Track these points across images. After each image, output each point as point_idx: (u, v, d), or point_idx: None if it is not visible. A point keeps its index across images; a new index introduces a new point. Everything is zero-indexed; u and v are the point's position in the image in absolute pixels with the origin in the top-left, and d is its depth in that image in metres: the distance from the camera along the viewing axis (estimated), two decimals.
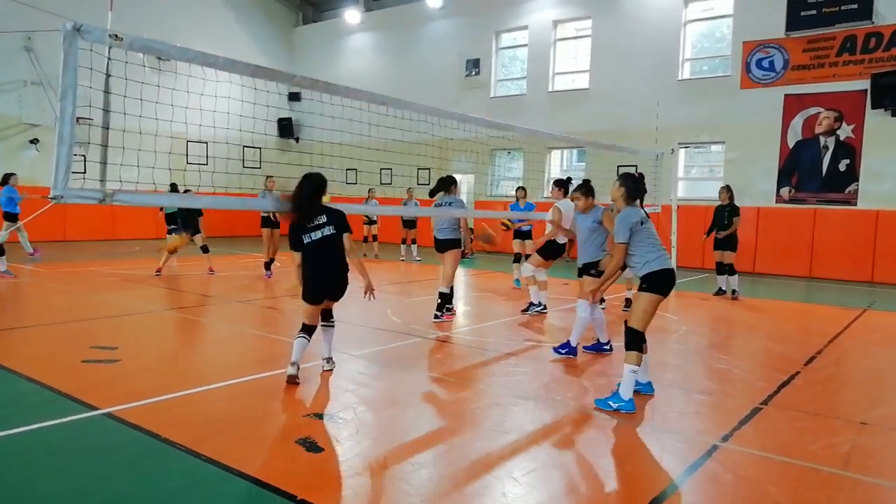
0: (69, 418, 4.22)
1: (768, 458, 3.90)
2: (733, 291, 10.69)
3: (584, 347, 6.50)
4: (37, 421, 4.13)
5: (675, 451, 3.99)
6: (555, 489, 3.46)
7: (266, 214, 11.93)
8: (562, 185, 8.40)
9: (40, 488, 3.30)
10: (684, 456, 3.92)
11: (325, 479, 3.50)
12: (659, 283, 4.76)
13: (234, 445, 3.86)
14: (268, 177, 11.86)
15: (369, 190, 15.74)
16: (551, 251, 8.51)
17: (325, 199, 13.20)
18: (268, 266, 11.84)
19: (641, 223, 4.89)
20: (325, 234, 5.14)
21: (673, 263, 4.82)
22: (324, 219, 5.17)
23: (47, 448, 3.80)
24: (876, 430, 4.51)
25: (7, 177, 11.72)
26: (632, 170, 15.90)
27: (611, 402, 4.68)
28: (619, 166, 15.74)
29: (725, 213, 10.81)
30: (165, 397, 4.72)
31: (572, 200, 6.75)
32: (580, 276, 6.49)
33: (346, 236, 5.21)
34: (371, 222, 16.64)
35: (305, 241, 5.15)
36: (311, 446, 3.87)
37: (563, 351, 6.28)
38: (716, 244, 10.90)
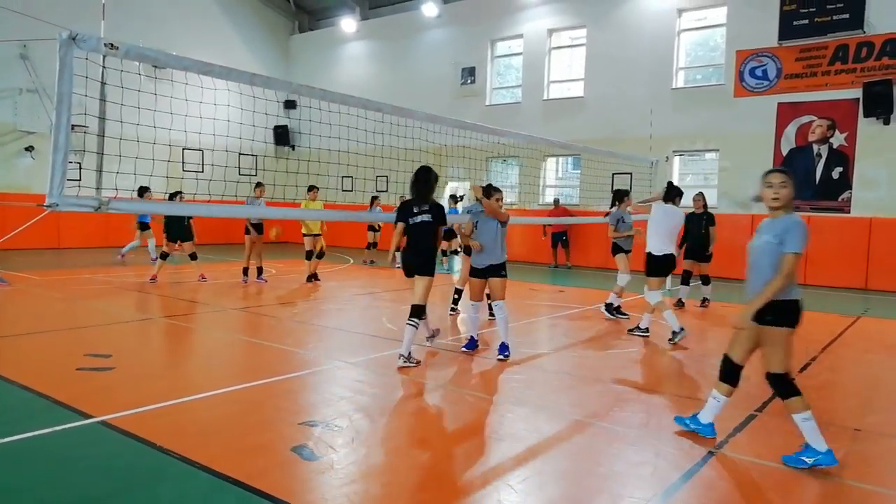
0: (64, 426, 4.21)
1: (763, 465, 3.92)
2: (705, 300, 10.57)
3: (463, 347, 6.77)
4: (31, 429, 4.12)
5: (671, 458, 4.00)
6: (550, 496, 3.46)
7: (256, 221, 11.92)
8: (674, 191, 7.94)
9: (35, 497, 3.28)
10: (679, 463, 3.93)
11: (320, 486, 3.49)
12: (791, 314, 3.90)
13: (229, 453, 3.85)
14: (257, 184, 11.86)
15: (373, 198, 15.68)
16: (660, 267, 7.69)
17: (319, 205, 13.23)
18: (245, 272, 11.99)
19: None
20: (424, 220, 6.17)
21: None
22: (427, 207, 6.20)
23: (42, 456, 3.78)
24: (870, 437, 4.53)
25: (143, 190, 12.08)
26: (626, 178, 16.03)
27: (805, 458, 3.87)
28: (613, 174, 15.82)
29: (703, 222, 10.45)
30: (160, 405, 4.70)
31: (497, 202, 6.54)
32: (485, 276, 6.66)
33: (440, 228, 6.26)
34: (375, 230, 16.55)
35: (410, 222, 6.17)
36: (307, 454, 3.86)
37: (506, 354, 6.50)
38: (689, 253, 10.57)
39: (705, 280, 10.58)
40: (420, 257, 6.18)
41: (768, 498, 3.47)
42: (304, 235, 12.60)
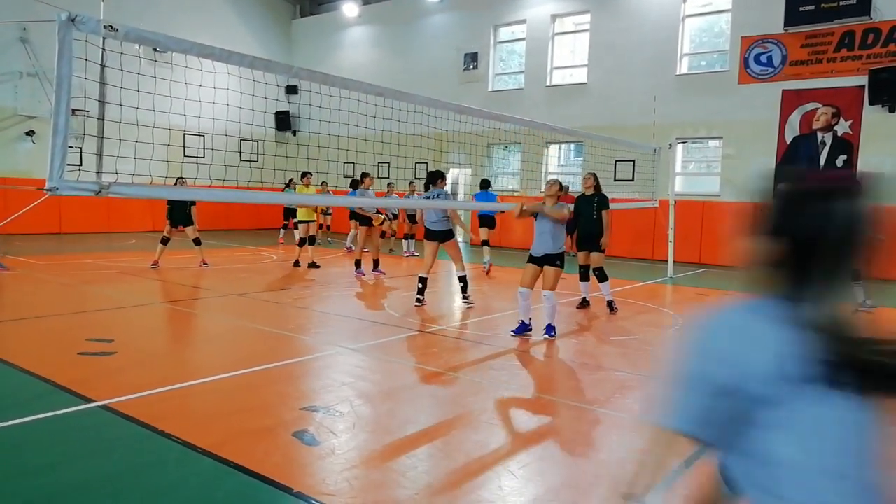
0: (66, 410, 4.21)
1: None
2: (610, 303, 8.64)
3: (512, 331, 6.89)
4: (33, 413, 4.12)
5: None
6: (551, 483, 3.46)
7: (376, 214, 11.59)
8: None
9: (37, 480, 3.29)
10: (681, 449, 3.92)
11: (321, 471, 3.50)
12: None
13: (231, 438, 3.86)
14: (364, 174, 11.68)
15: (388, 184, 15.42)
16: None
17: (312, 191, 13.16)
18: (376, 265, 11.72)
19: None
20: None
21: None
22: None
23: (44, 440, 3.79)
24: None
25: (356, 183, 11.97)
26: (629, 166, 15.96)
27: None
28: (616, 161, 15.76)
29: (595, 205, 8.66)
30: (162, 390, 4.71)
31: (553, 196, 6.88)
32: (541, 264, 6.79)
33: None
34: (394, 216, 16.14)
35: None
36: (308, 439, 3.87)
37: (552, 334, 6.81)
38: (581, 243, 8.90)
39: (601, 276, 8.77)
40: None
41: None
42: (297, 223, 12.68)
